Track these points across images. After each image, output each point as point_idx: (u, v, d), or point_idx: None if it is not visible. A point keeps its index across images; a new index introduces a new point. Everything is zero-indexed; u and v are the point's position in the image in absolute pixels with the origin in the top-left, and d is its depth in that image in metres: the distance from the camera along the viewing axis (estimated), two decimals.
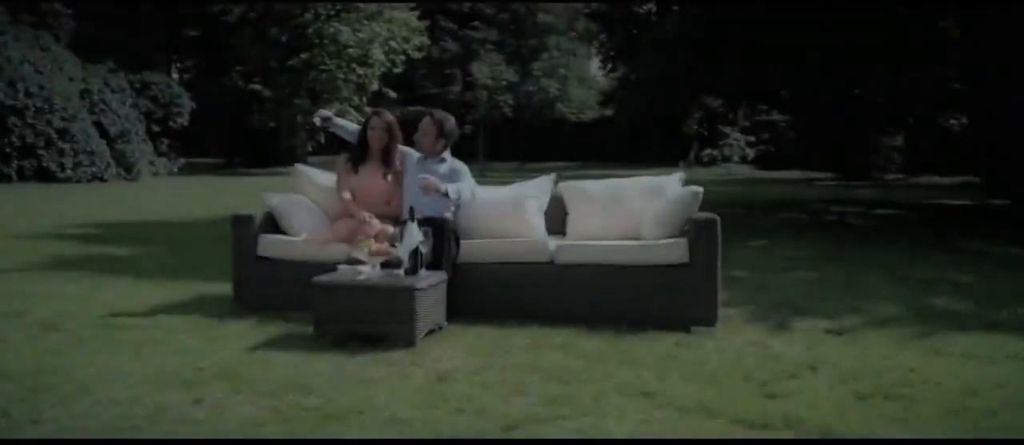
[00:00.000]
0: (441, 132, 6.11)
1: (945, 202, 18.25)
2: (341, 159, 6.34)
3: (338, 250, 5.65)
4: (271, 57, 30.82)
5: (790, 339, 5.20)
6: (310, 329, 5.01)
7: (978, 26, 13.64)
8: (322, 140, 34.18)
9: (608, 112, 42.64)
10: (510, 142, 43.00)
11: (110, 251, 9.34)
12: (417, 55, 34.24)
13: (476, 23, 44.37)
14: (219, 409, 3.74)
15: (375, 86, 33.62)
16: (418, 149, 6.19)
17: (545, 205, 6.06)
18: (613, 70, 31.68)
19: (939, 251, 9.87)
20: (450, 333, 5.12)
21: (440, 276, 5.17)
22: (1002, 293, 6.98)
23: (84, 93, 24.08)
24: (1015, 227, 12.33)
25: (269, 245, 5.88)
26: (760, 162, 35.57)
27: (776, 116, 35.27)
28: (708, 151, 36.95)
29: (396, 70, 34.37)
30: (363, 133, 6.30)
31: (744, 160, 36.29)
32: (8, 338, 5.04)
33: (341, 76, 31.87)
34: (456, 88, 49.41)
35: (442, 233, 5.43)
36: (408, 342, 4.73)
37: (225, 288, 6.31)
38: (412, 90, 41.14)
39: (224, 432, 3.47)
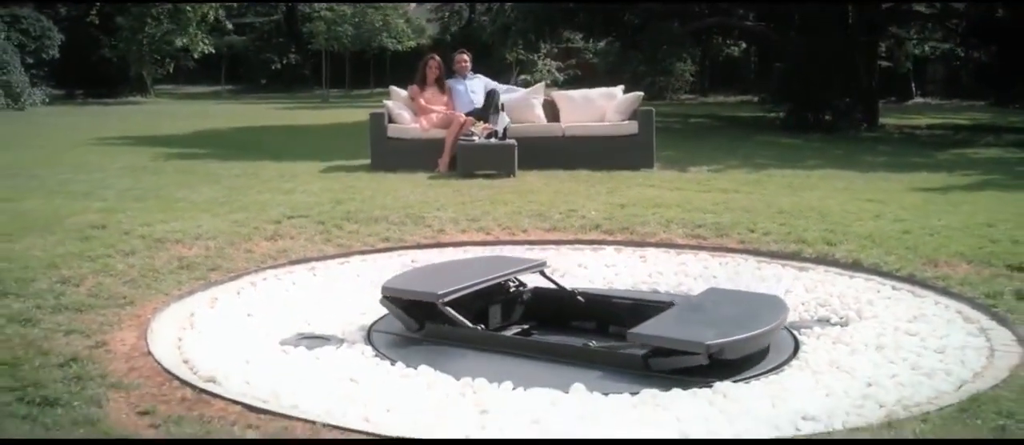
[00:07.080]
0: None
1: (740, 115, 23.74)
2: (412, 87, 10.22)
3: (434, 133, 9.65)
4: None
5: (694, 173, 9.72)
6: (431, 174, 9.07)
7: None
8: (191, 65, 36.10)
9: (424, 41, 46.32)
10: (341, 71, 46.02)
11: (195, 151, 12.57)
12: None
13: None
14: (463, 194, 7.65)
15: (211, 17, 35.65)
16: (458, 73, 10.26)
17: (541, 103, 10.25)
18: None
19: (747, 140, 14.88)
20: (520, 174, 9.16)
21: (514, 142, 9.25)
22: (791, 157, 11.88)
23: None
24: (786, 129, 17.69)
25: (395, 129, 9.75)
26: (568, 84, 40.72)
27: (580, 43, 40.81)
28: (524, 76, 41.74)
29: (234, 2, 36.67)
30: (423, 70, 10.22)
31: (555, 83, 41.40)
32: (296, 177, 8.71)
33: (188, 8, 33.91)
34: (276, 17, 51.77)
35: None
36: (511, 173, 8.83)
37: (339, 162, 10.21)
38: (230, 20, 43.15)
39: (460, 204, 7.29)
